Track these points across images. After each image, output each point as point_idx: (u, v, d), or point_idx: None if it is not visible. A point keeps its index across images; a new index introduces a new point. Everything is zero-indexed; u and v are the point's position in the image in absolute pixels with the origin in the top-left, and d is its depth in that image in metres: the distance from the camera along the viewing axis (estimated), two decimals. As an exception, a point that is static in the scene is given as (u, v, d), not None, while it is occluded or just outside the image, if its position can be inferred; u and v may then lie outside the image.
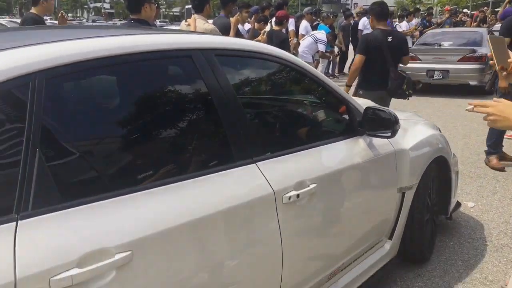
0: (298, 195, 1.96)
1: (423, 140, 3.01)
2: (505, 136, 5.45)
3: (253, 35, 7.53)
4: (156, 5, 4.28)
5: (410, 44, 14.11)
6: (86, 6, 66.79)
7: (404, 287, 2.90)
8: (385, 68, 4.73)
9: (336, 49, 12.31)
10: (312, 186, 2.04)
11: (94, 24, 23.47)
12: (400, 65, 5.05)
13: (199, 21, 4.82)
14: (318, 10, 13.03)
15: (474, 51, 9.74)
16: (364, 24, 11.33)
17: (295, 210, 1.99)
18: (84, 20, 50.18)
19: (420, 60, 10.01)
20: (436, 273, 3.06)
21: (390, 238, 2.84)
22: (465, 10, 24.91)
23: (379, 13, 4.83)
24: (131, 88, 1.75)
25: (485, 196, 4.40)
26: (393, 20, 15.27)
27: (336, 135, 2.51)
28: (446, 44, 10.54)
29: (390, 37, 4.78)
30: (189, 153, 1.85)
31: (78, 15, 63.84)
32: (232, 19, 5.68)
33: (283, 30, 7.77)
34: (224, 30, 5.33)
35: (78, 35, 1.69)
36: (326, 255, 2.31)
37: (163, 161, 1.72)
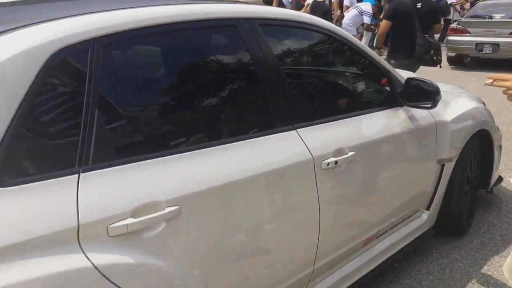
0: (336, 162, 2.02)
1: (465, 112, 2.99)
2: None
3: (296, 6, 7.49)
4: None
5: (458, 17, 13.58)
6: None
7: (439, 258, 2.94)
8: (414, 35, 4.67)
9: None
10: (350, 153, 2.10)
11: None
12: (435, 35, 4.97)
13: (243, -8, 4.85)
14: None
15: (527, 24, 9.34)
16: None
17: (333, 176, 2.05)
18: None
19: (470, 33, 9.67)
20: (473, 246, 3.08)
21: (428, 208, 2.87)
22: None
23: None
24: (179, 56, 1.83)
25: (530, 172, 4.32)
26: None
27: (376, 106, 2.53)
28: (497, 16, 10.08)
29: (420, 3, 4.71)
30: (234, 118, 1.93)
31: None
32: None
33: (327, 1, 7.67)
34: (268, 1, 5.35)
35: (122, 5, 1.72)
36: (362, 222, 2.37)
37: (210, 125, 1.82)
